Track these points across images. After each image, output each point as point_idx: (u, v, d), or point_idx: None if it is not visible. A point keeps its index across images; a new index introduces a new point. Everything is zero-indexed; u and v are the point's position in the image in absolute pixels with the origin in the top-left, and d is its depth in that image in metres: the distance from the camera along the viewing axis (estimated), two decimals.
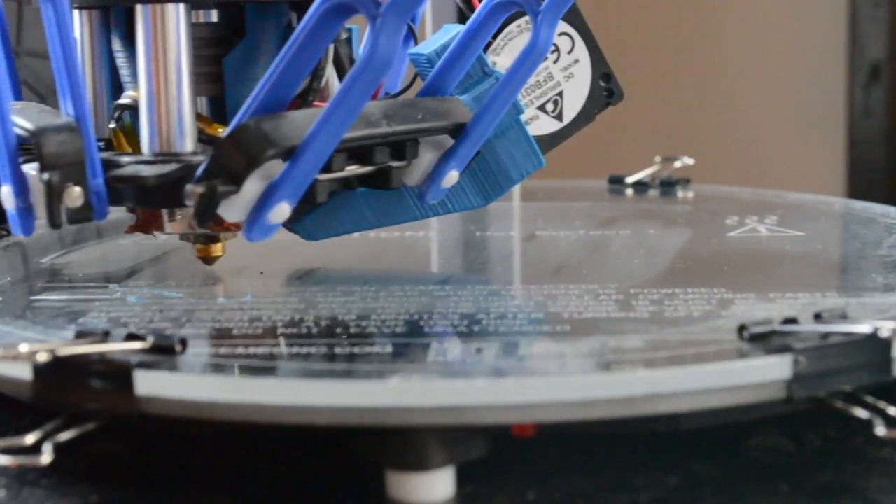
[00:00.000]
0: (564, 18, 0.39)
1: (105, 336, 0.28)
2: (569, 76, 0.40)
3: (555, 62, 0.40)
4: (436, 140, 0.34)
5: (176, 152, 0.32)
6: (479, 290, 0.36)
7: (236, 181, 0.28)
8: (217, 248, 0.38)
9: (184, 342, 0.28)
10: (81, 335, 0.28)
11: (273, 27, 0.35)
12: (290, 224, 0.38)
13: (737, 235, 0.45)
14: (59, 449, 0.26)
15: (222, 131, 0.33)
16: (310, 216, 0.38)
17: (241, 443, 0.29)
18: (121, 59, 0.35)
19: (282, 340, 0.31)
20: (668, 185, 0.59)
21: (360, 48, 0.32)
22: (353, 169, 0.31)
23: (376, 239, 0.41)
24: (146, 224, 0.36)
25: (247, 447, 0.29)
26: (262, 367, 0.28)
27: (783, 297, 0.34)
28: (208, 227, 0.32)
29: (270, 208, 0.28)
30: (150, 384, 0.26)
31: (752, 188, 0.59)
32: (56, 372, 0.27)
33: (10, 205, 0.30)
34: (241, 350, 0.29)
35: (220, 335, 0.31)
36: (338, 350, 0.30)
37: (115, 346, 0.27)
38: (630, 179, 0.60)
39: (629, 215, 0.54)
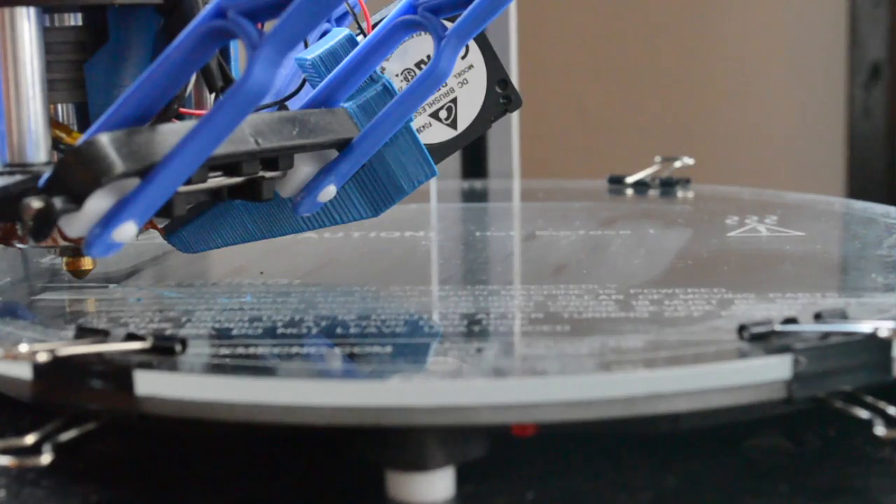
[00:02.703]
0: None
1: (105, 336, 0.28)
2: (463, 82, 0.38)
3: None
4: (317, 152, 0.32)
5: (27, 163, 0.31)
6: (479, 290, 0.36)
7: (77, 199, 0.25)
8: (87, 262, 0.37)
9: (184, 342, 0.28)
10: (81, 335, 0.28)
11: (139, 32, 0.33)
12: (167, 236, 0.37)
13: (737, 235, 0.45)
14: (59, 449, 0.26)
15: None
16: (187, 228, 0.37)
17: (241, 443, 0.29)
18: None
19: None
20: (668, 185, 0.59)
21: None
22: (218, 181, 0.29)
23: (376, 239, 0.41)
24: (7, 236, 0.34)
25: (247, 447, 0.29)
26: (262, 367, 0.28)
27: (783, 297, 0.34)
28: (44, 243, 0.30)
29: (115, 227, 0.26)
30: (150, 384, 0.26)
31: (752, 188, 0.59)
32: (56, 372, 0.27)
33: None
34: (241, 350, 0.29)
35: (220, 335, 0.31)
36: (338, 350, 0.30)
37: (115, 346, 0.27)
38: (630, 179, 0.60)
39: (629, 215, 0.54)
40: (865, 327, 0.27)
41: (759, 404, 0.27)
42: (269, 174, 0.31)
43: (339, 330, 0.32)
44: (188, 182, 0.27)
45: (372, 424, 0.25)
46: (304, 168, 0.32)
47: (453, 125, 0.38)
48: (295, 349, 0.30)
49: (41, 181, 0.26)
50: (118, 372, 0.26)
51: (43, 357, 0.27)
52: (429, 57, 0.37)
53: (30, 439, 0.26)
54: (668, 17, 1.24)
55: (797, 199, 0.54)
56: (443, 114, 0.38)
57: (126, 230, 0.26)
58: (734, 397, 0.27)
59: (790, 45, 1.22)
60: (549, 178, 0.53)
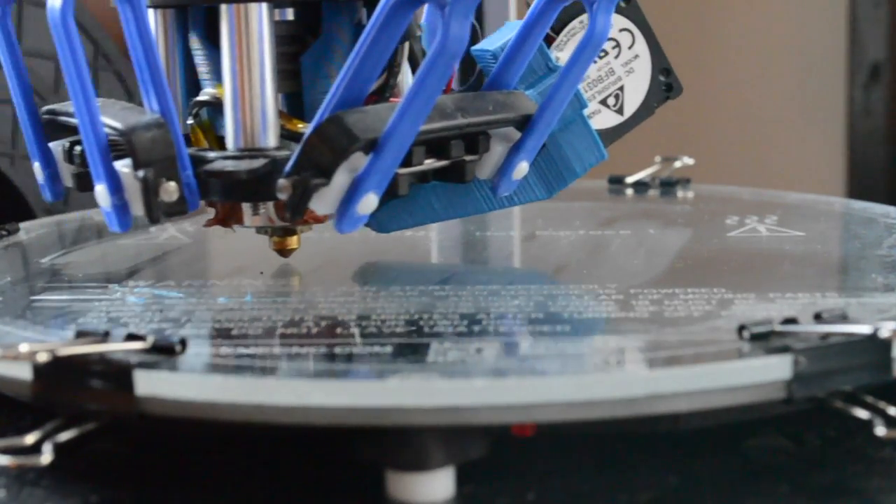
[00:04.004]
0: (625, 15, 0.40)
1: (105, 336, 0.28)
2: (629, 71, 0.41)
3: (616, 57, 0.41)
4: (504, 133, 0.34)
5: (260, 148, 0.33)
6: (479, 290, 0.36)
7: (326, 174, 0.30)
8: (293, 241, 0.39)
9: (184, 342, 0.28)
10: (81, 335, 0.28)
11: (347, 24, 0.36)
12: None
13: (737, 235, 0.45)
14: (59, 449, 0.26)
15: (302, 127, 0.34)
16: (382, 209, 0.38)
17: (241, 443, 0.29)
18: (199, 58, 0.36)
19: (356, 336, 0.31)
20: (668, 185, 0.59)
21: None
22: (430, 163, 0.33)
23: (376, 239, 0.41)
24: (226, 218, 0.37)
25: (247, 447, 0.29)
26: (262, 367, 0.28)
27: (783, 297, 0.34)
28: (298, 220, 0.32)
29: (359, 199, 0.30)
30: (150, 384, 0.26)
31: (752, 188, 0.59)
32: (56, 372, 0.27)
33: (105, 203, 0.31)
34: (241, 350, 0.29)
35: (220, 335, 0.31)
36: (338, 350, 0.30)
37: (115, 346, 0.27)
38: (630, 179, 0.60)
39: (629, 215, 0.54)
40: (865, 327, 0.27)
41: (759, 404, 0.27)
42: (469, 157, 0.33)
43: (339, 330, 0.32)
44: (408, 164, 0.31)
45: (372, 424, 0.25)
46: (497, 148, 0.34)
47: (620, 111, 0.41)
48: (295, 349, 0.30)
49: (289, 163, 0.30)
50: (118, 372, 0.26)
51: (43, 357, 0.27)
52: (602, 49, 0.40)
53: (30, 439, 0.26)
54: (669, 17, 1.24)
55: (797, 199, 0.54)
56: (611, 100, 0.41)
57: (368, 202, 0.30)
58: (734, 397, 0.27)
59: (790, 46, 1.22)
60: None
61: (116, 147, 0.31)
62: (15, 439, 0.26)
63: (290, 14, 0.36)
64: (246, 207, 0.36)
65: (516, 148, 0.34)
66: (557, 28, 0.39)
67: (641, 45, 0.41)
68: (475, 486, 0.27)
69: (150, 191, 0.30)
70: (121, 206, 0.31)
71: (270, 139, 0.33)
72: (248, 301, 0.35)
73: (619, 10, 0.39)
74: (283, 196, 0.30)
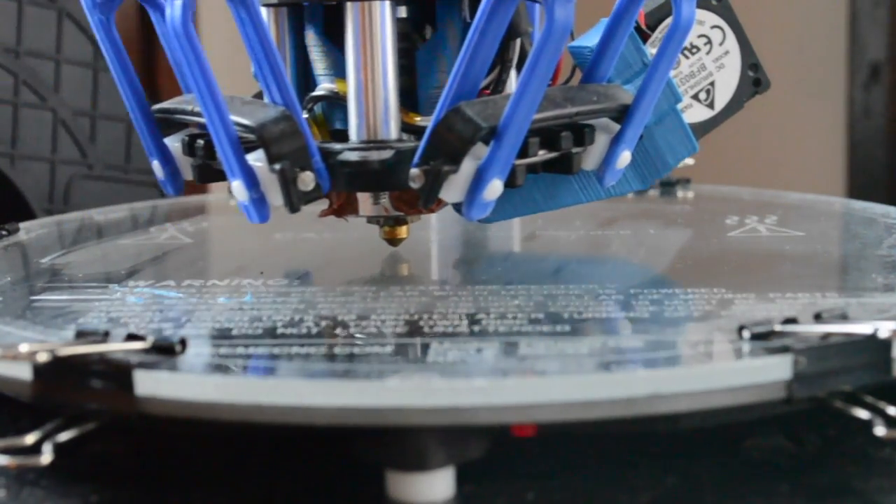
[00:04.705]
0: (717, 13, 0.42)
1: (105, 336, 0.28)
2: (720, 66, 0.42)
3: (707, 53, 0.42)
4: (604, 125, 0.35)
5: (382, 139, 0.35)
6: (479, 290, 0.36)
7: (456, 160, 0.31)
8: (402, 231, 0.40)
9: (184, 342, 0.28)
10: (81, 335, 0.28)
11: (458, 21, 0.37)
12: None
13: (737, 235, 0.45)
14: (59, 449, 0.26)
15: (419, 120, 0.36)
16: None
17: (241, 443, 0.29)
18: (316, 53, 0.37)
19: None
20: (668, 185, 0.59)
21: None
22: (542, 154, 0.34)
23: (376, 239, 0.41)
24: (341, 209, 0.38)
25: (247, 447, 0.29)
26: (262, 368, 0.28)
27: (783, 297, 0.34)
28: (430, 207, 0.34)
29: (485, 186, 0.31)
30: (150, 384, 0.26)
31: (752, 188, 0.59)
32: (56, 372, 0.27)
33: (243, 197, 0.33)
34: (241, 350, 0.29)
35: (220, 335, 0.32)
36: (338, 350, 0.30)
37: (115, 346, 0.27)
38: None
39: (629, 215, 0.54)
40: (865, 327, 0.27)
41: (759, 404, 0.27)
42: (576, 149, 0.34)
43: (339, 330, 0.32)
44: (523, 156, 0.33)
45: (372, 424, 0.25)
46: (600, 139, 0.35)
47: (711, 105, 0.42)
48: (295, 349, 0.30)
49: (417, 153, 0.32)
50: (118, 372, 0.26)
51: (43, 357, 0.27)
52: (692, 44, 0.42)
53: (30, 439, 0.26)
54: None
55: (797, 199, 0.54)
56: (702, 95, 0.42)
57: (494, 188, 0.32)
58: (734, 397, 0.27)
59: (790, 45, 1.22)
60: None
61: (244, 141, 0.32)
62: (15, 439, 0.26)
63: (402, 12, 0.37)
64: (365, 197, 0.37)
65: (617, 138, 0.35)
66: (652, 25, 0.40)
67: (731, 42, 0.42)
68: (475, 486, 0.27)
69: (287, 182, 0.32)
70: (258, 199, 0.33)
71: (392, 131, 0.35)
72: (248, 301, 0.35)
73: (710, 8, 0.41)
74: (415, 185, 0.32)
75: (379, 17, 0.34)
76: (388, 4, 0.34)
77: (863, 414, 0.27)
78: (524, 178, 0.33)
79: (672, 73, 0.40)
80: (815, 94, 1.24)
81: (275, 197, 0.32)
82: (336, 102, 0.36)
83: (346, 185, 0.34)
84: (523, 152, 0.32)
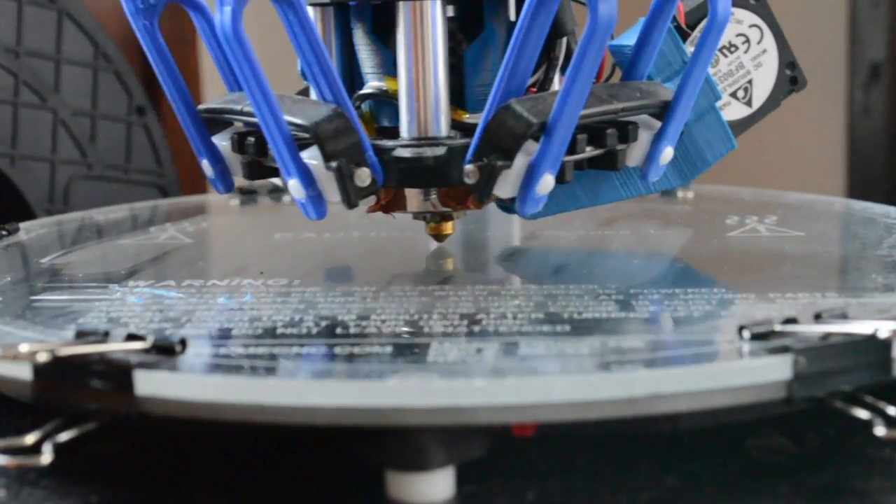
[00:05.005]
0: (754, 12, 0.42)
1: (105, 336, 0.28)
2: (757, 65, 0.43)
3: (745, 52, 0.42)
4: (646, 122, 0.36)
5: (433, 136, 0.35)
6: (479, 290, 0.36)
7: (509, 156, 0.32)
8: (448, 227, 0.41)
9: (184, 342, 0.28)
10: (81, 335, 0.28)
11: (503, 20, 0.37)
12: (511, 205, 0.40)
13: (737, 235, 0.45)
14: (59, 449, 0.26)
15: (468, 117, 0.36)
16: None
17: (241, 443, 0.29)
18: (364, 52, 0.37)
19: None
20: None
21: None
22: (589, 151, 0.35)
23: (376, 239, 0.41)
24: (389, 205, 0.38)
25: (247, 447, 0.29)
26: (262, 367, 0.28)
27: (783, 297, 0.34)
28: (485, 202, 0.35)
29: (538, 181, 0.32)
30: (150, 384, 0.26)
31: (752, 188, 0.59)
32: (56, 372, 0.27)
33: (300, 195, 0.33)
34: (241, 350, 0.29)
35: (220, 335, 0.31)
36: (338, 350, 0.30)
37: (115, 346, 0.27)
38: None
39: (629, 215, 0.54)
40: (865, 327, 0.27)
41: (760, 404, 0.27)
42: (620, 146, 0.35)
43: (339, 330, 0.32)
44: (571, 153, 0.33)
45: (372, 424, 0.25)
46: (643, 135, 0.36)
47: (749, 103, 0.43)
48: (295, 349, 0.30)
49: (470, 150, 0.33)
50: (118, 372, 0.26)
51: (43, 357, 0.27)
52: (730, 43, 0.42)
53: (30, 439, 0.26)
54: None
55: (797, 199, 0.54)
56: (740, 93, 0.42)
57: (546, 182, 0.32)
58: (734, 397, 0.27)
59: (790, 45, 1.22)
60: None
61: (296, 139, 0.33)
62: (15, 439, 0.26)
63: (449, 11, 0.37)
64: (413, 193, 0.37)
65: (660, 134, 0.36)
66: (692, 24, 0.40)
67: (769, 40, 0.43)
68: (475, 486, 0.27)
69: (345, 179, 0.32)
70: (315, 196, 0.33)
71: (443, 128, 0.35)
72: (248, 301, 0.35)
73: (748, 7, 0.42)
74: (469, 181, 0.33)
75: (430, 16, 0.35)
76: (438, 3, 0.35)
77: (863, 414, 0.27)
78: (572, 175, 0.34)
79: (711, 70, 0.41)
80: (815, 94, 1.24)
81: (332, 193, 0.33)
82: (384, 100, 0.37)
83: (399, 180, 0.34)
84: (571, 149, 0.33)
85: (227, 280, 0.38)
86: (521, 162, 0.32)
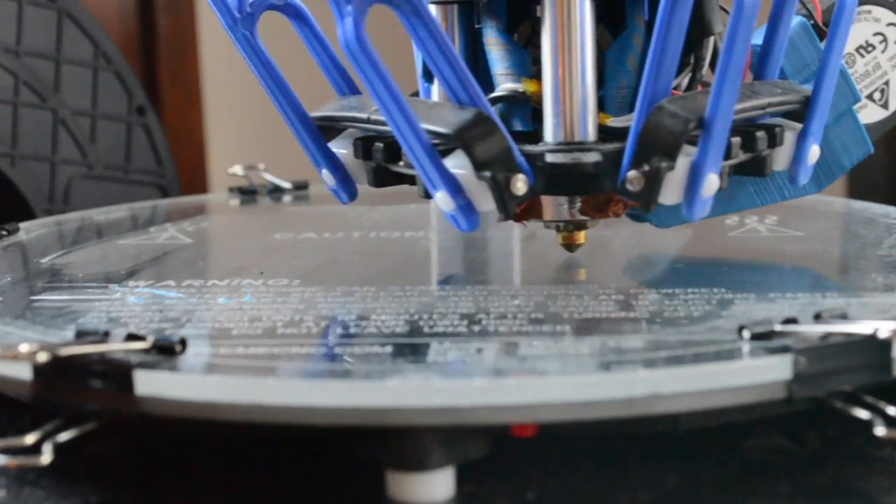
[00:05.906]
0: (892, 10, 0.41)
1: (105, 336, 0.28)
2: (895, 66, 0.41)
3: (882, 52, 0.41)
4: (787, 124, 0.35)
5: (580, 141, 0.33)
6: (479, 290, 0.36)
7: (671, 156, 0.30)
8: (581, 236, 0.39)
9: (184, 342, 0.28)
10: (81, 335, 0.28)
11: (642, 20, 0.36)
12: (643, 215, 0.40)
13: (737, 235, 0.45)
14: (59, 449, 0.26)
15: (611, 121, 0.34)
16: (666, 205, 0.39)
17: (241, 443, 0.29)
18: (496, 52, 0.36)
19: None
20: None
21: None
22: (741, 156, 0.33)
23: (376, 239, 0.41)
24: (524, 213, 0.36)
25: (247, 447, 0.29)
26: (262, 368, 0.28)
27: (783, 297, 0.34)
28: (650, 209, 0.32)
29: (702, 182, 0.30)
30: (150, 384, 0.26)
31: None
32: (56, 372, 0.27)
33: (448, 207, 0.31)
34: (241, 350, 0.29)
35: (220, 335, 0.32)
36: (337, 350, 0.30)
37: (115, 346, 0.27)
38: None
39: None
40: (865, 327, 0.27)
41: (759, 404, 0.27)
42: (766, 151, 0.34)
43: (339, 330, 0.32)
44: (726, 158, 0.32)
45: (372, 424, 0.25)
46: (787, 136, 0.35)
47: (885, 106, 0.41)
48: (295, 349, 0.30)
49: (626, 156, 0.31)
50: (118, 372, 0.26)
51: (43, 357, 0.27)
52: (867, 42, 0.41)
53: (30, 439, 0.26)
54: None
55: (797, 199, 0.54)
56: (876, 95, 0.41)
57: (711, 183, 0.31)
58: (734, 397, 0.27)
59: None
60: None
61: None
62: (15, 439, 0.26)
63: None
64: (551, 201, 0.36)
65: (804, 132, 0.35)
66: (828, 22, 0.39)
67: None
68: (475, 486, 0.27)
69: (500, 188, 0.31)
70: (465, 206, 0.31)
71: (591, 132, 0.33)
72: (248, 301, 0.35)
73: (886, 5, 0.40)
74: (633, 188, 0.31)
75: (577, 14, 0.33)
76: (587, 2, 0.33)
77: (863, 414, 0.27)
78: (727, 180, 0.33)
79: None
80: None
81: (483, 203, 0.31)
82: (516, 102, 0.35)
83: (551, 187, 0.32)
84: (725, 154, 0.32)
85: (227, 280, 0.38)
86: (683, 164, 0.31)
